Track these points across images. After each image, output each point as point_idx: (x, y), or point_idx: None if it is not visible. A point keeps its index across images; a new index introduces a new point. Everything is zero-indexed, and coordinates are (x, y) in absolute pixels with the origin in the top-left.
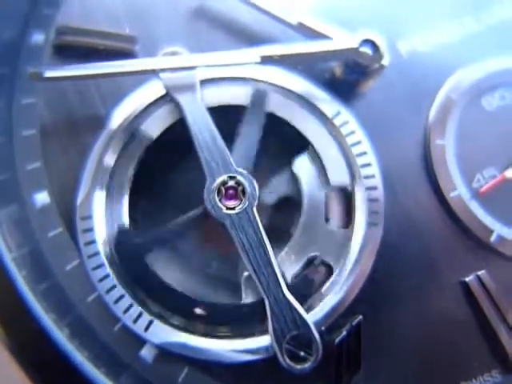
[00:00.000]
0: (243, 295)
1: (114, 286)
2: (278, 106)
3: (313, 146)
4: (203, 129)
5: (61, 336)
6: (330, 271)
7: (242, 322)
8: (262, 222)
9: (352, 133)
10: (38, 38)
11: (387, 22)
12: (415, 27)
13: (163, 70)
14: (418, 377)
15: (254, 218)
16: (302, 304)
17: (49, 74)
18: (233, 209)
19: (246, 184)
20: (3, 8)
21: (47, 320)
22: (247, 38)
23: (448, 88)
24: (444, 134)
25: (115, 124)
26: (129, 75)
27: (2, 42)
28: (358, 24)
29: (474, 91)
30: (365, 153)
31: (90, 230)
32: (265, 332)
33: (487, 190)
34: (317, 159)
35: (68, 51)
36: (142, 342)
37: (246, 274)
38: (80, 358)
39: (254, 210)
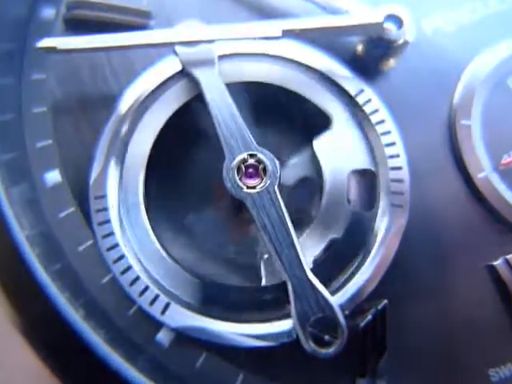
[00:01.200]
0: (263, 278)
1: (129, 267)
2: (299, 83)
3: (335, 124)
4: (222, 105)
5: (76, 317)
6: (353, 254)
7: (263, 305)
8: (283, 202)
9: (376, 111)
10: (48, 12)
11: (411, 0)
12: (440, 6)
13: (180, 43)
14: (444, 363)
15: (276, 197)
16: (325, 287)
17: (62, 45)
18: (253, 188)
19: (268, 162)
20: None
21: (62, 300)
22: (267, 11)
23: (473, 68)
24: (470, 114)
25: (129, 100)
26: (144, 48)
27: (12, 17)
28: (381, 1)
29: (500, 71)
30: (389, 132)
31: (105, 209)
32: (285, 316)
33: (509, 163)
34: (339, 138)
35: (80, 26)
36: (158, 325)
37: (265, 256)
38: (96, 339)
39: (276, 189)
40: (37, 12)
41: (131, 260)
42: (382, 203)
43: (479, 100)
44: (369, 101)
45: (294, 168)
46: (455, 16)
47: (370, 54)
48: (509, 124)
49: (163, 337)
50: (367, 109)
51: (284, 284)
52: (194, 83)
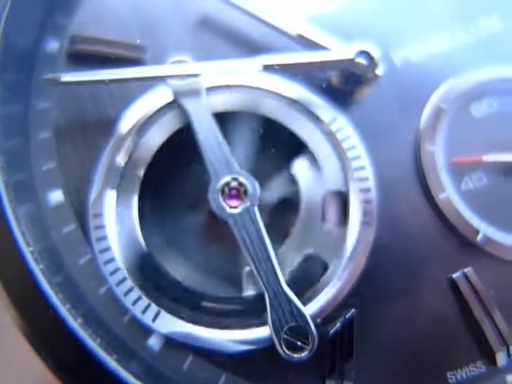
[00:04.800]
0: (244, 289)
1: (124, 279)
2: (279, 112)
3: (310, 150)
4: (208, 133)
5: (76, 325)
6: (325, 267)
7: (243, 314)
8: (262, 220)
9: (347, 138)
10: (52, 46)
11: (382, 33)
12: (408, 38)
13: (171, 77)
14: (407, 366)
15: (256, 216)
16: (298, 298)
17: (65, 78)
18: (236, 208)
19: (248, 185)
20: (20, 18)
21: (63, 309)
22: (250, 47)
23: (438, 96)
24: (434, 139)
25: (126, 127)
26: (140, 81)
27: (20, 49)
28: (354, 35)
29: (463, 99)
30: (359, 157)
31: (102, 226)
32: (263, 324)
33: (460, 161)
34: (314, 162)
35: (81, 59)
36: (149, 331)
37: (247, 269)
38: (93, 344)
39: (256, 209)
40: (42, 46)
41: (126, 272)
42: (352, 221)
43: (443, 126)
44: (341, 128)
45: (274, 188)
46: (423, 47)
47: (343, 85)
48: (470, 148)
49: (154, 342)
50: (339, 135)
51: (262, 295)
52: (184, 112)
